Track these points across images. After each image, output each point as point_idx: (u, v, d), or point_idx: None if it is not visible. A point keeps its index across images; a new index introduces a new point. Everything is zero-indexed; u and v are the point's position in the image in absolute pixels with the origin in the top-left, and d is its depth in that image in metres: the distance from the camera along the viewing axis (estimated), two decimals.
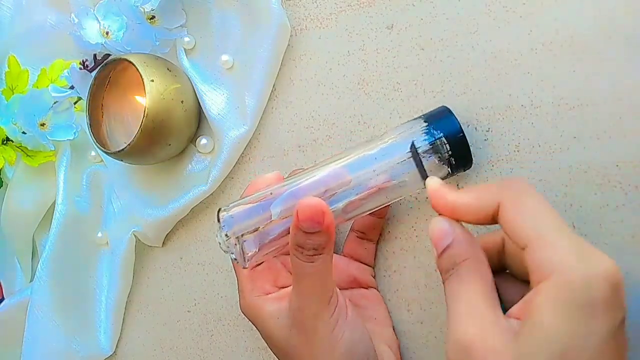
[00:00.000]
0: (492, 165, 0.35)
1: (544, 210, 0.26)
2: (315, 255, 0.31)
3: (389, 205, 0.36)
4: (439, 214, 0.30)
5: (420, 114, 0.35)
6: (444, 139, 0.33)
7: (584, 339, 0.23)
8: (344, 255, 0.39)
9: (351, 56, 0.40)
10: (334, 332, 0.32)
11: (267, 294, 0.35)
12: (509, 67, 0.35)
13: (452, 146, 0.33)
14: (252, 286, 0.36)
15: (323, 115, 0.41)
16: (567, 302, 0.23)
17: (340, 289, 0.36)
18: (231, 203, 0.35)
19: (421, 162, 0.33)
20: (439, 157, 0.33)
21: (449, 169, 0.33)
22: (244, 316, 0.43)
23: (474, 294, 0.26)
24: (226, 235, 0.33)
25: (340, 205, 0.34)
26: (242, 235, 0.33)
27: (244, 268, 0.35)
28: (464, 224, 0.29)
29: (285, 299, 0.34)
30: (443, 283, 0.29)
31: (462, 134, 0.33)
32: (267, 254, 0.34)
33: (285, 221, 0.33)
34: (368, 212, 0.35)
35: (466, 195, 0.29)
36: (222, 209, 0.34)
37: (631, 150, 0.32)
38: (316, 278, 0.32)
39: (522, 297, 0.26)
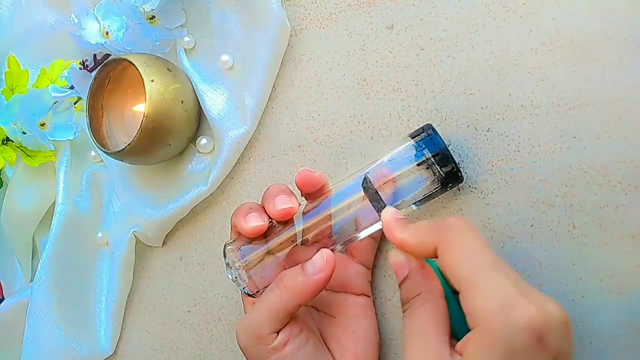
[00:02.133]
0: (492, 165, 0.35)
1: (476, 255, 0.27)
2: (297, 295, 0.33)
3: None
4: None
5: (425, 122, 0.35)
6: (431, 158, 0.33)
7: None
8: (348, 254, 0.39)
9: (351, 56, 0.40)
10: (285, 352, 0.33)
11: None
12: (509, 67, 0.35)
13: (441, 164, 0.33)
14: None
15: (323, 115, 0.41)
16: (490, 352, 0.25)
17: (332, 291, 0.37)
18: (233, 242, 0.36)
19: (377, 194, 0.33)
20: (431, 174, 0.33)
21: (441, 185, 0.34)
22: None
23: (421, 333, 0.28)
24: (235, 267, 0.35)
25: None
26: (248, 265, 0.35)
27: (252, 297, 0.36)
28: None
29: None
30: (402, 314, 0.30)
31: (448, 152, 0.33)
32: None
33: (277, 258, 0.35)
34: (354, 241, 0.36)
35: (410, 235, 0.30)
36: (228, 243, 0.36)
37: (631, 150, 0.32)
38: (280, 308, 0.33)
39: None
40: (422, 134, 0.34)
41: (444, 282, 0.30)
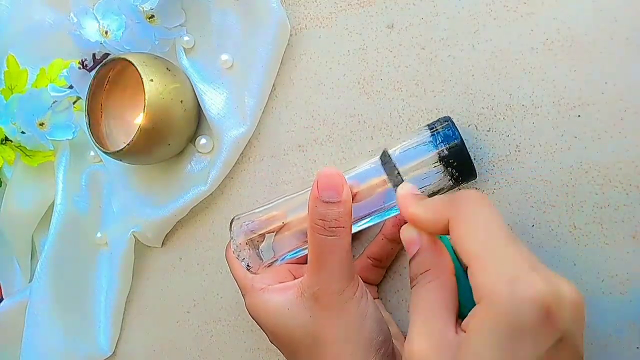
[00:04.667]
0: (493, 165, 0.35)
1: (485, 230, 0.26)
2: (337, 227, 0.31)
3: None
4: None
5: (426, 123, 0.35)
6: (446, 151, 0.32)
7: None
8: None
9: (351, 56, 0.40)
10: (360, 308, 0.32)
11: (271, 287, 0.35)
12: (509, 67, 0.35)
13: (456, 158, 0.32)
14: (252, 283, 0.35)
15: (323, 115, 0.41)
16: (494, 328, 0.24)
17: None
18: (243, 213, 0.36)
19: (395, 168, 0.32)
20: (443, 169, 0.32)
21: (452, 181, 0.33)
22: (243, 317, 0.43)
23: (428, 308, 0.27)
24: (239, 242, 0.34)
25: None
26: (254, 239, 0.34)
27: (254, 273, 0.35)
28: None
29: (291, 289, 0.34)
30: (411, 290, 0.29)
31: (463, 146, 0.32)
32: (279, 259, 0.35)
33: (295, 232, 0.34)
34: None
35: (423, 209, 0.29)
36: (235, 217, 0.35)
37: (632, 150, 0.32)
38: (340, 253, 0.31)
39: None
40: (440, 126, 0.33)
41: (456, 260, 0.29)
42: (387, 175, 0.33)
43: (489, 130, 0.35)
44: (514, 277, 0.24)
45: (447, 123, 0.33)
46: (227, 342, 0.45)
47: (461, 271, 0.28)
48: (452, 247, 0.29)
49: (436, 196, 0.29)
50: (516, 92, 0.35)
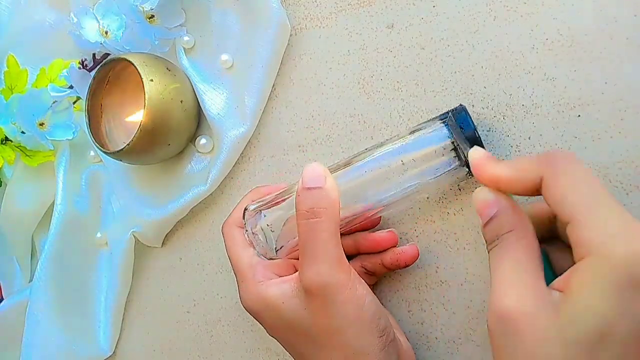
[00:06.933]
0: None
1: (587, 184, 0.25)
2: (320, 209, 0.31)
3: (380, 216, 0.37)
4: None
5: (437, 115, 0.35)
6: (464, 139, 0.32)
7: (624, 319, 0.22)
8: None
9: (351, 56, 0.40)
10: (357, 295, 0.31)
11: (270, 280, 0.35)
12: (509, 67, 0.35)
13: (471, 146, 0.32)
14: (252, 275, 0.35)
15: (323, 115, 0.41)
16: (606, 281, 0.23)
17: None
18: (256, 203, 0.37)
19: (463, 134, 0.32)
20: (458, 157, 0.32)
21: (468, 169, 0.33)
22: (243, 317, 0.43)
23: (516, 264, 0.26)
24: (253, 229, 0.35)
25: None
26: (267, 226, 0.35)
27: (270, 259, 0.35)
28: None
29: (287, 282, 0.33)
30: (488, 253, 0.28)
31: (478, 135, 0.32)
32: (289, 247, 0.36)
33: None
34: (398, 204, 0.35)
35: (508, 168, 0.28)
36: (249, 205, 0.37)
37: (632, 151, 0.32)
38: (326, 236, 0.31)
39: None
40: (453, 115, 0.33)
41: None
42: (455, 139, 0.32)
43: (489, 130, 0.35)
44: (628, 231, 0.23)
45: (460, 112, 0.33)
46: (227, 342, 0.45)
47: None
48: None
49: (520, 157, 0.28)
50: (516, 92, 0.35)
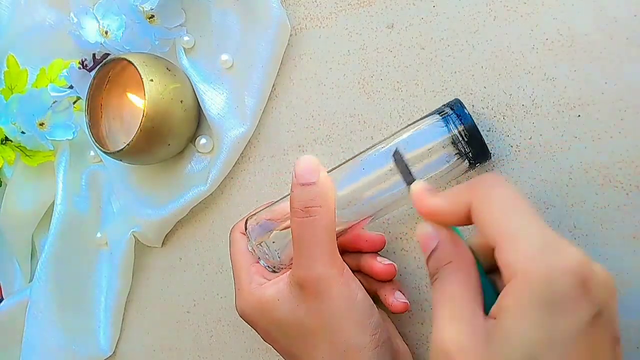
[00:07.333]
0: (493, 166, 0.35)
1: (511, 206, 0.25)
2: (313, 207, 0.31)
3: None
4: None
5: (433, 110, 0.35)
6: (462, 131, 0.32)
7: (550, 339, 0.22)
8: None
9: (351, 56, 0.40)
10: (348, 293, 0.31)
11: (265, 284, 0.35)
12: (509, 67, 0.35)
13: (470, 139, 0.32)
14: (249, 281, 0.35)
15: (323, 115, 0.41)
16: (530, 302, 0.23)
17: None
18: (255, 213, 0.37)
19: (407, 168, 0.32)
20: (457, 151, 0.32)
21: (468, 162, 0.33)
22: None
23: (455, 297, 0.26)
24: (257, 241, 0.35)
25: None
26: (269, 237, 0.35)
27: (273, 270, 0.35)
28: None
29: (282, 280, 0.34)
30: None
31: (475, 126, 0.32)
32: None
33: None
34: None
35: (441, 199, 0.28)
36: (250, 216, 0.36)
37: (632, 150, 0.32)
38: (318, 234, 0.31)
39: None
40: (450, 109, 0.33)
41: (476, 259, 0.28)
42: (401, 173, 0.32)
43: (489, 130, 0.35)
44: (547, 248, 0.23)
45: (457, 106, 0.33)
46: (227, 342, 0.45)
47: (481, 271, 0.28)
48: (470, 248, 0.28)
49: (454, 187, 0.29)
50: (516, 92, 0.35)
